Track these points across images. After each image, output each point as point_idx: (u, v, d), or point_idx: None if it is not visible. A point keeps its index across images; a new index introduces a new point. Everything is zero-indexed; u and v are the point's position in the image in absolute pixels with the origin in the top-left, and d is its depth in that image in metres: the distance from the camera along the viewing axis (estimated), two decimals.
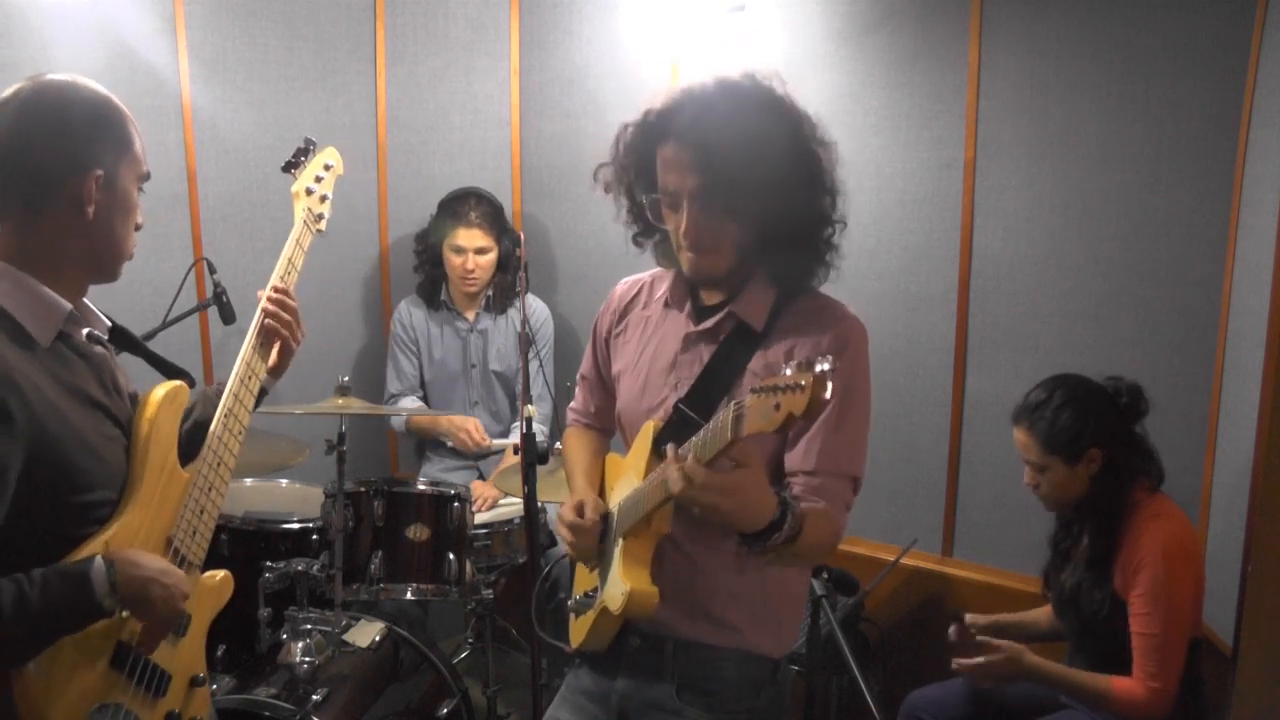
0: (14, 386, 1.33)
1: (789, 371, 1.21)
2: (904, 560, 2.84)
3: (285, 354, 1.82)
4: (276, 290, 1.80)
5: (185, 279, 2.98)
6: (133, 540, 1.48)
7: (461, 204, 3.27)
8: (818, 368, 1.18)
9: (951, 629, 2.32)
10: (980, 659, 2.13)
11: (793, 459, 1.59)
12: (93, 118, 1.46)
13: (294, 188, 1.96)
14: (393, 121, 3.50)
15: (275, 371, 1.81)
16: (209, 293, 3.01)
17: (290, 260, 1.84)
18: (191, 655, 1.64)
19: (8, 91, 1.43)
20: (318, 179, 1.98)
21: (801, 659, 2.40)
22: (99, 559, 1.38)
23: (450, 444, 3.30)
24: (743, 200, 1.53)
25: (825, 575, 2.14)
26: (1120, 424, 2.14)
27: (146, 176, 1.54)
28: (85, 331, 1.51)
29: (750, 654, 1.67)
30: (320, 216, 1.96)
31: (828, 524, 1.54)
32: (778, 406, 1.20)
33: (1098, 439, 2.11)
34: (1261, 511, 2.02)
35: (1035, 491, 2.22)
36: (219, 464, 1.65)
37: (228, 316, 2.99)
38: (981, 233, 2.77)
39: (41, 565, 1.36)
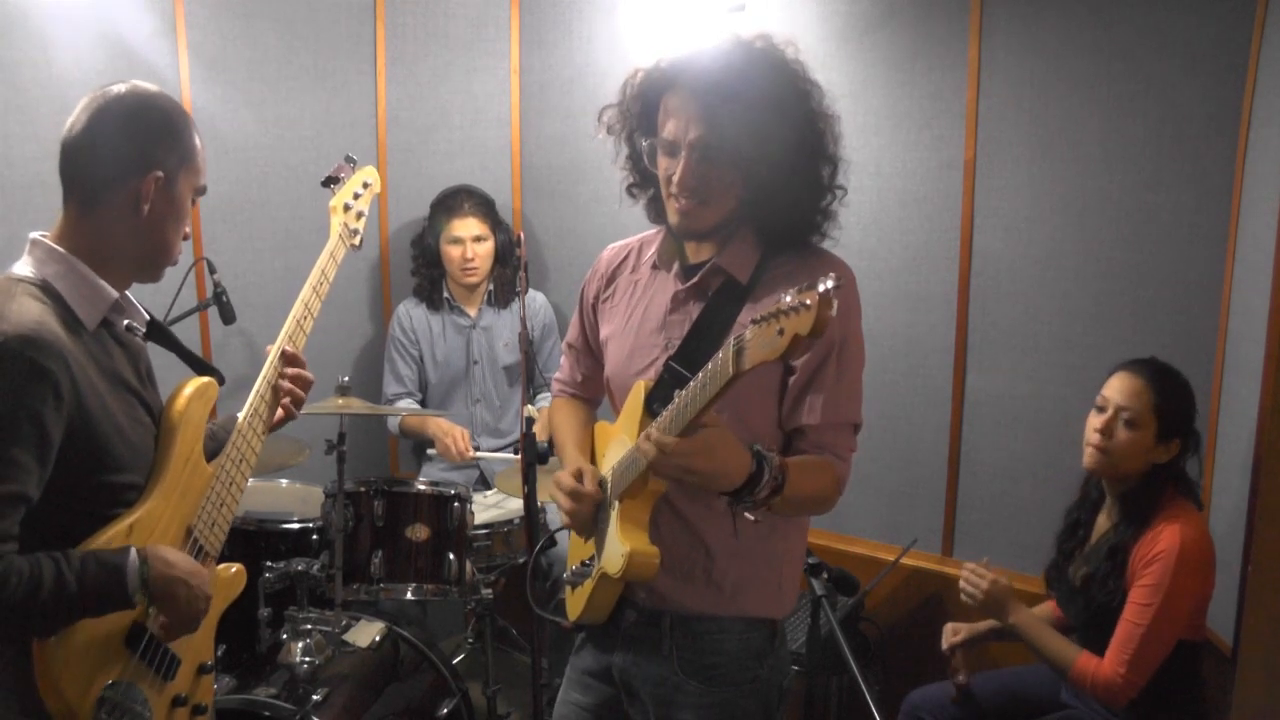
0: (65, 364, 1.41)
1: (789, 298, 1.19)
2: (904, 560, 2.84)
3: (287, 418, 1.85)
4: (288, 360, 1.80)
5: (185, 279, 2.98)
6: (155, 525, 1.54)
7: (453, 198, 3.33)
8: (821, 286, 1.16)
9: (945, 646, 2.39)
10: (975, 588, 2.22)
11: (795, 415, 1.59)
12: (163, 123, 1.55)
13: (332, 202, 2.02)
14: (393, 121, 3.50)
15: (274, 428, 1.84)
16: (209, 292, 3.01)
17: (324, 271, 1.91)
18: (201, 643, 1.70)
19: (96, 91, 1.54)
20: (356, 195, 2.05)
21: (801, 659, 2.40)
22: (133, 553, 1.44)
23: (431, 452, 3.28)
24: (740, 156, 1.53)
25: (825, 575, 2.13)
26: (1195, 444, 2.15)
27: (203, 190, 1.63)
28: (125, 323, 1.58)
29: (751, 620, 1.67)
30: (355, 232, 2.03)
31: (824, 473, 1.56)
32: (781, 331, 1.19)
33: (1186, 436, 2.12)
34: (1261, 512, 2.02)
35: (1097, 445, 2.13)
36: (241, 460, 1.72)
37: (228, 316, 2.99)
38: (981, 232, 2.77)
39: (68, 540, 1.43)
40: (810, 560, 1.93)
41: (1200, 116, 2.42)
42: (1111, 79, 2.52)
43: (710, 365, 1.33)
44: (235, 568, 1.78)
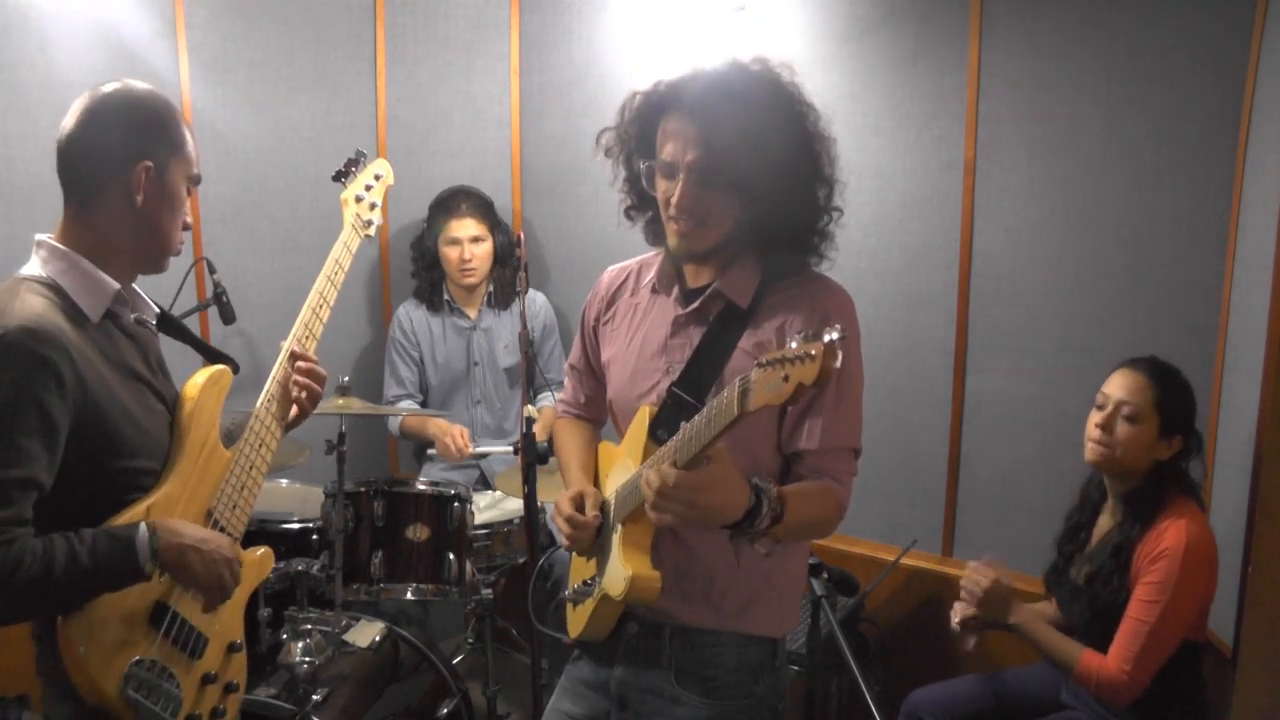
0: (66, 353, 1.44)
1: (794, 344, 1.22)
2: (904, 560, 2.84)
3: (302, 415, 1.87)
4: (299, 359, 1.83)
5: (185, 279, 2.98)
6: (173, 509, 1.57)
7: (450, 199, 3.33)
8: (826, 337, 1.19)
9: (955, 622, 2.32)
10: (975, 588, 2.19)
11: (795, 440, 1.60)
12: (149, 115, 1.58)
13: (343, 195, 2.06)
14: (393, 121, 3.50)
15: (290, 426, 1.86)
16: (209, 293, 3.01)
17: (338, 261, 1.95)
18: (229, 622, 1.73)
19: (85, 94, 1.57)
20: (367, 187, 2.09)
21: (801, 659, 2.40)
22: (143, 526, 1.48)
23: (432, 452, 3.28)
24: (738, 180, 1.54)
25: (825, 575, 2.13)
26: (1197, 445, 2.15)
27: (197, 179, 1.66)
28: (133, 316, 1.62)
29: (750, 637, 1.67)
30: (369, 223, 2.07)
31: (825, 499, 1.57)
32: (786, 378, 1.22)
33: (1188, 433, 2.13)
34: (1261, 512, 2.02)
35: (1098, 441, 2.13)
36: (260, 444, 1.75)
37: (228, 316, 2.99)
38: (981, 233, 2.77)
39: (88, 526, 1.46)
40: (810, 560, 1.93)
41: (1200, 116, 2.42)
42: (1111, 79, 2.53)
43: (715, 403, 1.35)
44: (262, 550, 1.81)
